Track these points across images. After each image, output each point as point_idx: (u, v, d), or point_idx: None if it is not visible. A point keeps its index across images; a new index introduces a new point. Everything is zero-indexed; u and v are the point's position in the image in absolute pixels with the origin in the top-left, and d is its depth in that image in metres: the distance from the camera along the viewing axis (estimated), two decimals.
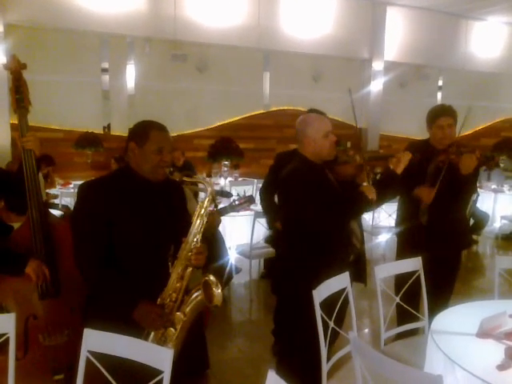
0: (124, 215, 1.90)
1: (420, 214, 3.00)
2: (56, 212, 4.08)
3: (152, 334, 1.90)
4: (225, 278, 4.51)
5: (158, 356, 1.63)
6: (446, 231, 2.99)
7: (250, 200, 2.83)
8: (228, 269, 4.51)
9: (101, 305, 1.94)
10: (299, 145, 2.59)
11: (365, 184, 2.49)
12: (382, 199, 2.57)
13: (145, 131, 1.94)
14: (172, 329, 1.88)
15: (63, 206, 4.53)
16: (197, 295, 1.90)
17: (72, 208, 4.70)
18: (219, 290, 1.83)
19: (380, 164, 2.66)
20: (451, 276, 3.15)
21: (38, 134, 2.34)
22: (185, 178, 1.96)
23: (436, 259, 2.91)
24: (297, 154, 3.32)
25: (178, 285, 1.91)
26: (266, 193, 3.63)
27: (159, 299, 1.90)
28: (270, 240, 4.10)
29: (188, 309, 1.90)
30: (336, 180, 2.53)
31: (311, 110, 3.57)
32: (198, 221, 1.93)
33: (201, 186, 2.00)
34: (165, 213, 2.00)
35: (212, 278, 1.85)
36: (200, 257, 1.91)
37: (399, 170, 2.48)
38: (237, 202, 2.76)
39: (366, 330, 4.01)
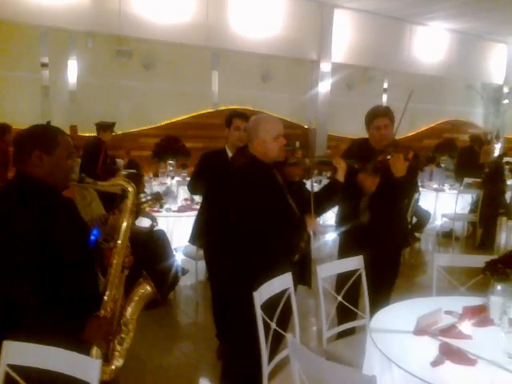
0: (57, 234, 1.77)
1: (360, 213, 3.03)
2: None
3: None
4: (170, 280, 4.40)
5: (85, 367, 1.53)
6: (386, 231, 3.03)
7: (156, 198, 2.75)
8: (174, 271, 4.41)
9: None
10: (249, 144, 2.55)
11: (310, 215, 2.49)
12: (325, 208, 2.65)
13: (52, 137, 1.82)
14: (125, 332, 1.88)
15: None
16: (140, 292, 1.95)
17: None
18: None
19: (328, 168, 2.67)
20: (391, 274, 3.20)
21: None
22: (101, 183, 1.88)
23: (376, 258, 2.95)
24: (223, 153, 3.31)
25: (119, 289, 1.87)
26: (194, 188, 3.54)
27: (102, 311, 1.82)
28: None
29: (131, 309, 1.92)
30: (284, 180, 2.51)
31: (236, 111, 3.52)
32: (125, 223, 1.88)
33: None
34: (83, 219, 1.94)
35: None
36: (131, 257, 1.92)
37: (341, 178, 2.53)
38: (143, 200, 2.68)
39: (314, 329, 4.03)
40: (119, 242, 1.88)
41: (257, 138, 2.45)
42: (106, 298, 1.84)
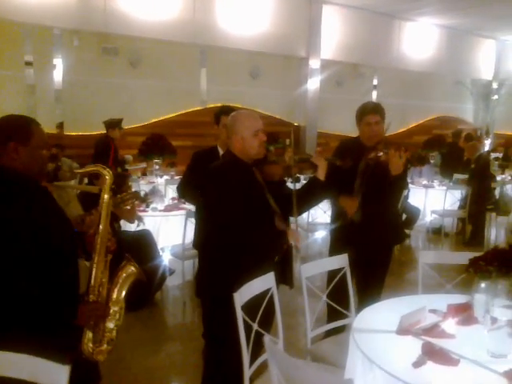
0: (48, 225, 1.80)
1: None
2: None
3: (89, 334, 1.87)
4: (157, 281, 4.35)
5: (53, 373, 1.48)
6: (379, 227, 3.00)
7: (134, 196, 2.71)
8: (161, 271, 4.35)
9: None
10: (229, 141, 2.50)
11: (292, 228, 2.46)
12: (306, 207, 2.61)
13: (26, 127, 1.80)
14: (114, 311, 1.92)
15: None
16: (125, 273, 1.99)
17: None
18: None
19: (308, 166, 2.63)
20: (382, 271, 3.17)
21: None
22: (77, 170, 1.91)
23: (368, 255, 2.92)
24: (214, 151, 3.24)
25: (104, 273, 1.92)
26: (184, 191, 3.47)
27: (91, 295, 1.87)
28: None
29: (118, 290, 1.96)
30: (264, 180, 2.46)
31: (224, 107, 3.47)
32: (103, 212, 1.93)
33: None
34: (62, 210, 1.94)
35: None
36: (113, 240, 1.97)
37: (321, 177, 2.48)
38: (121, 199, 2.65)
39: (302, 328, 3.98)
40: (101, 226, 1.91)
41: (235, 134, 2.40)
42: (92, 282, 1.87)
